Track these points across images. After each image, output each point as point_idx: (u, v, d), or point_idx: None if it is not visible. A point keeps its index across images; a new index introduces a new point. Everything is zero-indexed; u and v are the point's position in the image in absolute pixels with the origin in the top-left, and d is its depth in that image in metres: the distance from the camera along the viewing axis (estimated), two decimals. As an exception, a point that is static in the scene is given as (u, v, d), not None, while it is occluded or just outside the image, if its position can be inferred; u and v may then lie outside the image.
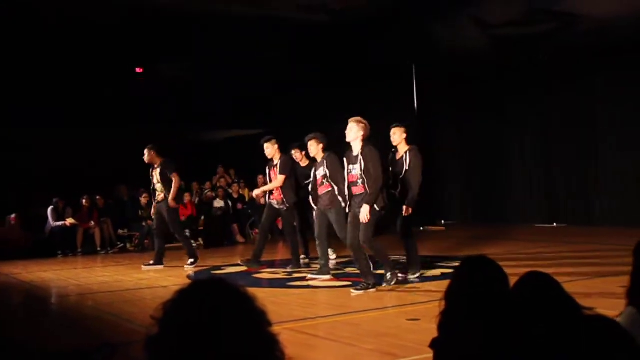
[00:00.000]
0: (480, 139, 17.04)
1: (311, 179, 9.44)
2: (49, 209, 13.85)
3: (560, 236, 13.34)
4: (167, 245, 11.60)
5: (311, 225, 9.81)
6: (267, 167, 10.11)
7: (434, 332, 2.60)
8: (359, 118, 7.62)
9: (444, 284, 2.67)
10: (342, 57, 15.73)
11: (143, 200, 14.37)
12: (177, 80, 16.05)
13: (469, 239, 13.59)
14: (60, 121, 15.69)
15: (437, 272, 8.98)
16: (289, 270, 9.71)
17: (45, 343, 6.03)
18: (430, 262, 9.84)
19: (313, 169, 9.40)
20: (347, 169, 7.66)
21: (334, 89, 16.52)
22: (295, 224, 10.39)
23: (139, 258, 12.31)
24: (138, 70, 15.81)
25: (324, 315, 6.52)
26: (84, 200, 14.28)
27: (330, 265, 9.48)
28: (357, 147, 7.56)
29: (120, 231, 14.85)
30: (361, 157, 7.45)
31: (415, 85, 16.78)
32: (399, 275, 7.93)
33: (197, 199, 16.09)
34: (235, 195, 16.13)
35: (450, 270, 8.53)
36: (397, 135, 8.48)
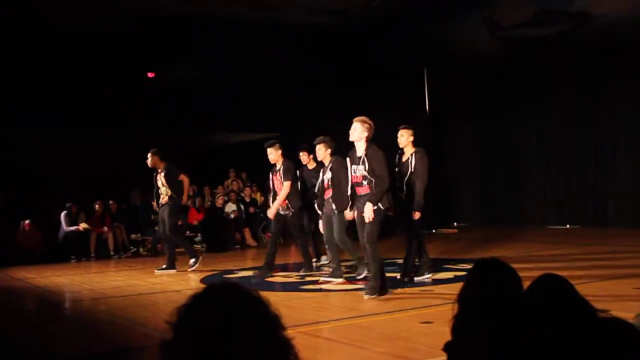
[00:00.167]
0: (492, 140, 17.00)
1: (318, 183, 9.43)
2: (62, 214, 13.92)
3: (574, 238, 13.27)
4: (177, 250, 11.63)
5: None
6: (270, 172, 9.99)
7: (446, 335, 2.59)
8: (364, 118, 7.53)
9: (457, 286, 2.67)
10: (353, 59, 15.75)
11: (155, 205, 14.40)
12: (188, 83, 16.10)
13: (481, 241, 13.55)
14: (75, 126, 15.77)
15: (449, 274, 8.96)
16: (301, 273, 9.70)
17: (58, 348, 6.05)
18: (442, 265, 9.84)
19: (321, 173, 9.39)
20: (351, 169, 7.58)
21: (344, 90, 16.51)
22: (305, 225, 10.37)
23: (151, 262, 12.33)
24: (150, 75, 15.88)
25: (336, 319, 6.52)
26: (96, 205, 14.34)
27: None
28: (361, 148, 7.47)
29: (133, 236, 14.89)
30: (365, 158, 7.38)
31: (427, 87, 16.75)
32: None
33: (209, 203, 16.14)
34: (247, 199, 16.15)
35: (463, 273, 8.51)
36: (405, 138, 8.44)
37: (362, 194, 7.49)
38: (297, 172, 10.13)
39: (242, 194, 16.28)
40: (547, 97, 15.68)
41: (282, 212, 9.75)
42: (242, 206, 15.69)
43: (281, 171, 9.64)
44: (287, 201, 9.62)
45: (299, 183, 10.04)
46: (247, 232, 15.34)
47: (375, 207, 7.27)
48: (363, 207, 7.35)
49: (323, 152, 9.12)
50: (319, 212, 9.20)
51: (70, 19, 13.10)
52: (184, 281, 9.82)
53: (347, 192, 7.74)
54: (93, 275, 11.54)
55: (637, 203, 13.98)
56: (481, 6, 13.13)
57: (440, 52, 15.34)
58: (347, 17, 13.92)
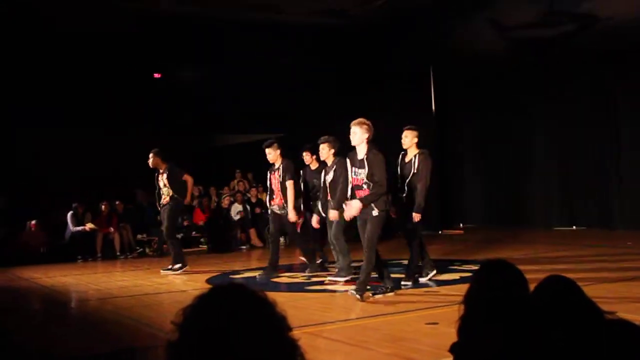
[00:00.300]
0: (498, 140, 16.97)
1: (321, 184, 9.36)
2: (69, 214, 13.96)
3: (580, 239, 13.23)
4: (184, 250, 11.66)
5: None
6: (267, 172, 9.94)
7: (452, 337, 2.59)
8: (361, 120, 7.41)
9: (462, 287, 2.66)
10: (360, 60, 15.75)
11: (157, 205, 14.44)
12: (193, 85, 16.13)
13: (487, 242, 13.53)
14: (81, 126, 15.83)
15: (455, 275, 8.95)
16: (307, 274, 9.69)
17: (64, 347, 6.07)
18: (448, 266, 9.82)
19: (322, 173, 9.38)
20: (352, 171, 7.48)
21: (349, 91, 16.52)
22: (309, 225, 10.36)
23: (157, 262, 12.36)
24: (156, 75, 15.91)
25: (342, 319, 6.51)
26: (103, 206, 14.37)
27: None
28: (362, 151, 7.37)
29: (139, 236, 14.92)
30: (366, 162, 7.28)
31: (434, 87, 16.74)
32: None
33: (214, 204, 16.16)
34: (253, 200, 16.16)
35: (469, 274, 8.50)
36: (409, 139, 8.37)
37: (362, 197, 7.43)
38: (301, 172, 10.12)
39: (249, 195, 16.30)
40: (553, 97, 15.64)
41: (277, 211, 9.71)
42: (248, 207, 15.71)
43: (280, 170, 9.58)
44: (283, 200, 9.60)
45: (301, 184, 10.01)
46: (252, 233, 15.36)
47: (377, 213, 7.19)
48: (367, 209, 7.31)
49: (326, 151, 9.09)
50: (322, 214, 9.17)
51: (77, 20, 13.14)
52: (190, 281, 9.83)
53: (346, 193, 7.67)
54: (99, 275, 11.56)
55: (643, 205, 13.95)
56: (487, 6, 13.12)
57: (445, 53, 15.33)
58: (352, 18, 13.93)
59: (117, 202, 14.89)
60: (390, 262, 9.08)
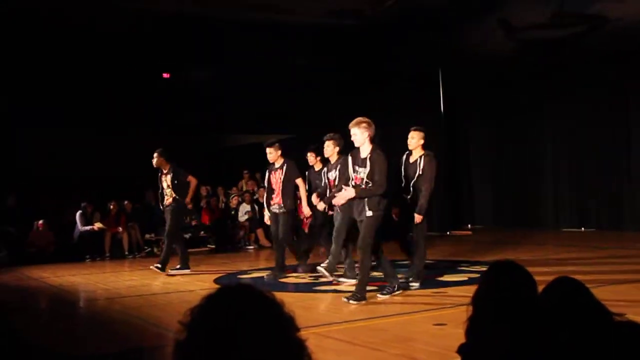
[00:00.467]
0: (508, 142, 16.95)
1: (324, 181, 9.35)
2: (78, 214, 14.00)
3: (589, 241, 13.19)
4: (190, 250, 11.67)
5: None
6: (266, 171, 9.90)
7: (460, 337, 2.58)
8: (358, 119, 7.31)
9: (471, 289, 2.66)
10: (369, 61, 15.74)
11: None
12: (202, 85, 16.15)
13: (495, 243, 13.51)
14: (89, 126, 15.87)
15: (463, 276, 8.94)
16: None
17: (72, 347, 6.09)
18: (456, 267, 9.81)
19: (325, 171, 9.35)
20: (353, 168, 7.38)
21: (359, 92, 16.51)
22: (316, 225, 10.35)
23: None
24: (165, 75, 15.94)
25: (350, 320, 6.50)
26: (111, 205, 14.41)
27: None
28: (366, 150, 7.28)
29: (147, 236, 14.94)
30: (369, 162, 7.20)
31: (442, 89, 16.72)
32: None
33: (223, 204, 16.18)
34: (261, 200, 16.17)
35: (477, 275, 8.48)
36: (415, 140, 8.30)
37: (357, 187, 7.29)
38: (306, 173, 10.11)
39: (257, 195, 16.31)
40: (562, 99, 15.60)
41: (276, 211, 9.70)
42: (256, 207, 15.72)
43: (284, 170, 9.57)
44: (281, 200, 9.58)
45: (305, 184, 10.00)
46: (260, 233, 15.36)
47: (370, 214, 7.10)
48: (360, 208, 7.25)
49: (331, 149, 9.07)
50: (329, 212, 9.16)
51: (84, 20, 13.19)
52: (198, 281, 9.85)
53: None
54: (108, 274, 11.60)
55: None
56: (497, 8, 13.09)
57: (455, 54, 15.30)
58: (362, 19, 13.92)
59: (125, 202, 14.92)
60: (396, 263, 9.05)
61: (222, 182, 17.02)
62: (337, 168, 8.79)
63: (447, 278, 8.83)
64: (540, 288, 2.52)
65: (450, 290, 7.88)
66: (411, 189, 8.20)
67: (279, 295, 1.60)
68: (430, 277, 8.67)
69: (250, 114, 16.85)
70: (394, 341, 5.46)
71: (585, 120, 15.13)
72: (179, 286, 9.51)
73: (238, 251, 14.70)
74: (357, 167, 7.34)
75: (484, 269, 2.73)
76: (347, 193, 7.24)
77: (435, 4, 13.01)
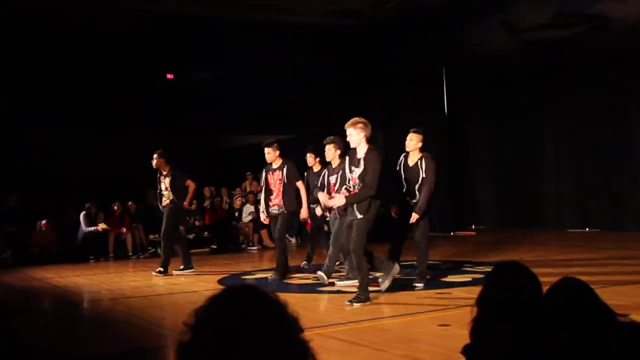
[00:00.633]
0: (511, 142, 16.92)
1: (325, 183, 9.30)
2: (82, 215, 14.02)
3: (593, 241, 13.17)
4: (193, 250, 11.67)
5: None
6: (264, 171, 9.83)
7: (465, 338, 2.58)
8: (354, 120, 7.27)
9: (475, 289, 2.66)
10: (369, 61, 15.73)
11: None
12: (205, 85, 16.16)
13: (499, 243, 13.49)
14: (92, 127, 15.88)
15: (467, 277, 8.92)
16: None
17: (76, 347, 6.09)
18: (460, 267, 9.80)
19: (325, 173, 9.33)
20: (349, 169, 7.36)
21: (362, 92, 16.50)
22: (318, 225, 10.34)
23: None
24: (169, 76, 15.96)
25: (354, 321, 6.50)
26: (115, 206, 14.43)
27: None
28: (362, 150, 7.24)
29: (151, 236, 14.93)
30: (364, 162, 7.16)
31: (446, 89, 16.70)
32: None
33: (226, 205, 16.19)
34: (261, 200, 16.19)
35: (481, 276, 8.49)
36: (414, 142, 8.29)
37: (347, 195, 7.27)
38: (305, 174, 10.10)
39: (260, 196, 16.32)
40: (562, 99, 15.58)
41: (275, 212, 9.68)
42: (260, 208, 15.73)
43: (284, 171, 9.50)
44: (281, 202, 9.53)
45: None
46: (264, 234, 15.37)
47: (360, 217, 7.07)
48: (350, 210, 7.21)
49: (332, 152, 9.03)
50: (327, 214, 9.14)
51: (86, 20, 13.21)
52: (202, 282, 9.85)
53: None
54: (111, 275, 11.61)
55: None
56: (499, 8, 13.08)
57: (457, 54, 15.29)
58: (362, 19, 13.93)
59: (129, 203, 14.94)
60: (403, 263, 9.03)
61: (222, 183, 17.02)
62: (339, 173, 8.76)
63: (451, 279, 8.82)
64: (545, 289, 2.52)
65: (455, 291, 7.87)
66: (417, 192, 8.17)
67: (283, 296, 1.60)
68: (434, 278, 8.69)
69: (250, 114, 16.84)
70: (398, 342, 5.46)
71: (585, 120, 15.10)
72: (183, 287, 9.52)
73: (241, 252, 14.69)
74: (353, 167, 7.32)
75: (488, 269, 2.73)
76: (337, 201, 7.25)
77: (435, 4, 13.00)
